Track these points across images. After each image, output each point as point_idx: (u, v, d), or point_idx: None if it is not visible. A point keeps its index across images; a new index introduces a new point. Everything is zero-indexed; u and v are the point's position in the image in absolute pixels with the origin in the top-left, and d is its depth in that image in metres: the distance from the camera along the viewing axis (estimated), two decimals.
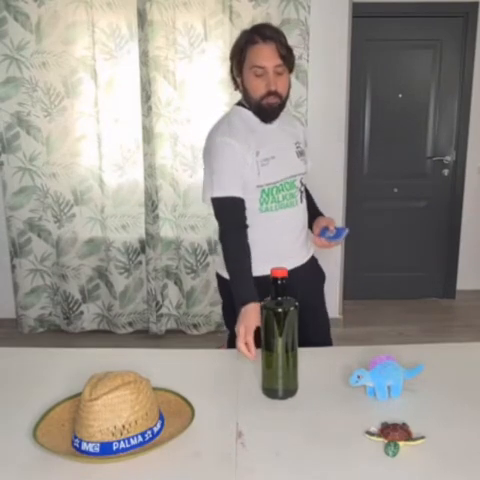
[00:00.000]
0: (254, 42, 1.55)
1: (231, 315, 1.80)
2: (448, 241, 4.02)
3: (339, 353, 1.55)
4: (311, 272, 1.80)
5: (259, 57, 1.54)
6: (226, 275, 1.71)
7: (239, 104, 1.69)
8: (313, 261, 1.83)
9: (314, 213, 1.79)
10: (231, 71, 1.65)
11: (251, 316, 1.43)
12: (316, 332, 1.74)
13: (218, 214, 1.64)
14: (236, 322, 1.70)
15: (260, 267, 1.67)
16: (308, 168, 1.83)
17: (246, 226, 1.62)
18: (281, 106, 1.63)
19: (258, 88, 1.57)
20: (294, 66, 1.62)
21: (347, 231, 1.65)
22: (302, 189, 1.73)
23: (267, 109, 1.60)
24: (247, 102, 1.64)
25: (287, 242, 1.70)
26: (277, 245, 1.68)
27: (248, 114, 1.66)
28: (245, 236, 1.61)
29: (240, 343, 1.38)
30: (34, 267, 3.45)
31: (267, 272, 1.65)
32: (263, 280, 1.68)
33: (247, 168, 1.60)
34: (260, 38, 1.54)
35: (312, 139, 2.36)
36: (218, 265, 1.80)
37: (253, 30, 1.59)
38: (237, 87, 1.66)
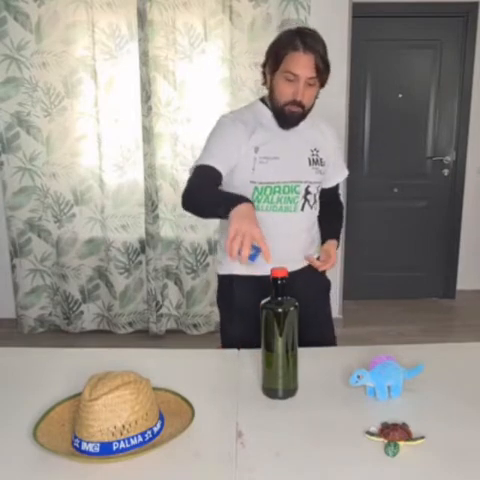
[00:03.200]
0: (295, 48, 1.51)
1: (227, 327, 1.80)
2: (448, 241, 4.03)
3: (339, 353, 1.55)
4: (311, 278, 1.74)
5: (296, 65, 1.51)
6: (223, 271, 1.75)
7: (262, 100, 1.68)
8: (310, 269, 1.75)
9: (324, 232, 1.78)
10: (264, 66, 1.63)
11: (243, 215, 1.29)
12: (314, 337, 1.59)
13: (187, 182, 1.57)
14: (235, 337, 1.71)
15: (244, 266, 1.67)
16: (342, 177, 1.86)
17: (211, 186, 1.53)
18: (302, 116, 1.61)
19: (285, 93, 1.56)
20: (326, 81, 1.59)
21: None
22: (309, 197, 1.68)
23: (287, 116, 1.59)
24: (270, 102, 1.63)
25: (277, 247, 1.48)
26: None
27: (264, 111, 1.65)
28: (200, 184, 1.53)
29: (228, 241, 1.24)
30: (34, 267, 3.45)
31: (250, 272, 1.67)
32: (251, 279, 1.69)
33: (240, 156, 1.59)
34: (301, 46, 1.51)
35: None
36: (216, 264, 1.82)
37: (297, 34, 1.54)
38: (265, 83, 1.65)
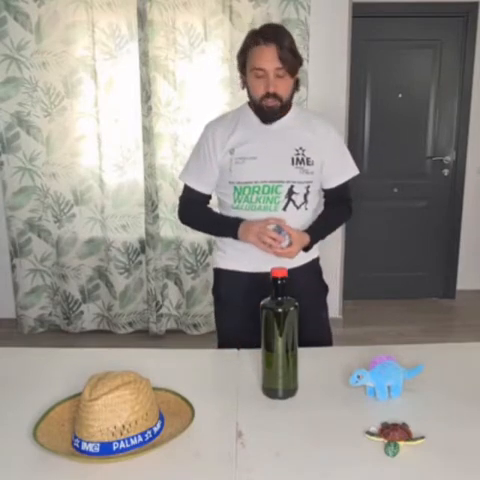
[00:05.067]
0: (256, 43, 1.55)
1: (222, 315, 1.84)
2: (448, 241, 4.02)
3: (339, 353, 1.55)
4: (306, 281, 1.71)
5: (259, 59, 1.55)
6: (214, 265, 1.82)
7: (249, 103, 1.70)
8: (307, 271, 1.75)
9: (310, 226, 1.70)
10: (239, 70, 1.66)
11: (247, 229, 1.61)
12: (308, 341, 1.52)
13: (179, 200, 1.86)
14: (228, 324, 1.79)
15: (232, 262, 1.75)
16: (345, 177, 1.76)
17: (192, 208, 1.80)
18: (282, 109, 1.62)
19: (258, 89, 1.58)
20: (297, 70, 1.59)
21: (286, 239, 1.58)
22: (295, 197, 1.65)
23: (266, 111, 1.61)
24: (250, 101, 1.66)
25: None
26: (245, 245, 1.64)
27: (248, 112, 1.68)
28: (192, 209, 1.81)
29: (259, 243, 1.57)
30: (34, 267, 3.45)
31: (237, 268, 1.73)
32: (231, 274, 1.75)
33: (214, 163, 1.68)
34: (262, 39, 1.54)
35: None
36: (214, 260, 1.86)
37: (258, 30, 1.59)
38: (243, 86, 1.67)
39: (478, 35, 3.70)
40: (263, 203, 1.64)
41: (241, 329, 1.64)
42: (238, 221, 1.64)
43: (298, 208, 1.67)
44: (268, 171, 1.63)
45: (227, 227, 1.67)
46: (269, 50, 1.53)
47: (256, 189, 1.63)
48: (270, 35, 1.54)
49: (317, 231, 1.70)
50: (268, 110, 1.60)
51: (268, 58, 1.54)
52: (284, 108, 1.63)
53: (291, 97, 1.64)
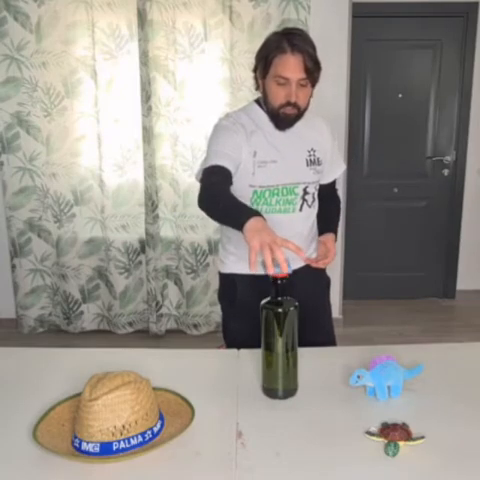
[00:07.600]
0: (282, 51, 1.50)
1: (229, 323, 1.81)
2: (448, 241, 4.02)
3: (339, 353, 1.55)
4: (311, 275, 1.74)
5: (284, 68, 1.51)
6: (226, 270, 1.76)
7: (257, 101, 1.68)
8: (311, 269, 1.76)
9: (322, 226, 1.79)
10: (255, 70, 1.62)
11: (258, 228, 1.26)
12: (316, 335, 1.65)
13: (201, 183, 1.56)
14: (236, 333, 1.75)
15: (243, 265, 1.68)
16: (339, 172, 1.85)
17: (225, 188, 1.50)
18: (298, 117, 1.61)
19: (278, 97, 1.56)
20: (318, 80, 1.57)
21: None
22: (307, 197, 1.70)
23: (283, 119, 1.60)
24: (265, 105, 1.63)
25: None
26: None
27: (260, 114, 1.65)
28: (223, 190, 1.49)
29: (251, 255, 1.20)
30: (34, 267, 3.45)
31: (254, 271, 1.67)
32: (252, 277, 1.68)
33: (241, 158, 1.59)
34: (289, 48, 1.50)
35: None
36: (218, 263, 1.82)
37: (284, 36, 1.53)
38: (258, 87, 1.64)
39: (478, 35, 3.70)
40: (282, 205, 1.66)
41: (257, 333, 1.62)
42: (257, 213, 1.36)
43: (310, 207, 1.72)
44: (287, 174, 1.64)
45: (243, 212, 1.38)
46: (295, 59, 1.49)
47: (276, 192, 1.64)
48: (298, 44, 1.50)
49: (334, 226, 1.81)
50: (285, 117, 1.59)
51: (294, 68, 1.50)
52: (300, 116, 1.62)
53: (308, 105, 1.62)
